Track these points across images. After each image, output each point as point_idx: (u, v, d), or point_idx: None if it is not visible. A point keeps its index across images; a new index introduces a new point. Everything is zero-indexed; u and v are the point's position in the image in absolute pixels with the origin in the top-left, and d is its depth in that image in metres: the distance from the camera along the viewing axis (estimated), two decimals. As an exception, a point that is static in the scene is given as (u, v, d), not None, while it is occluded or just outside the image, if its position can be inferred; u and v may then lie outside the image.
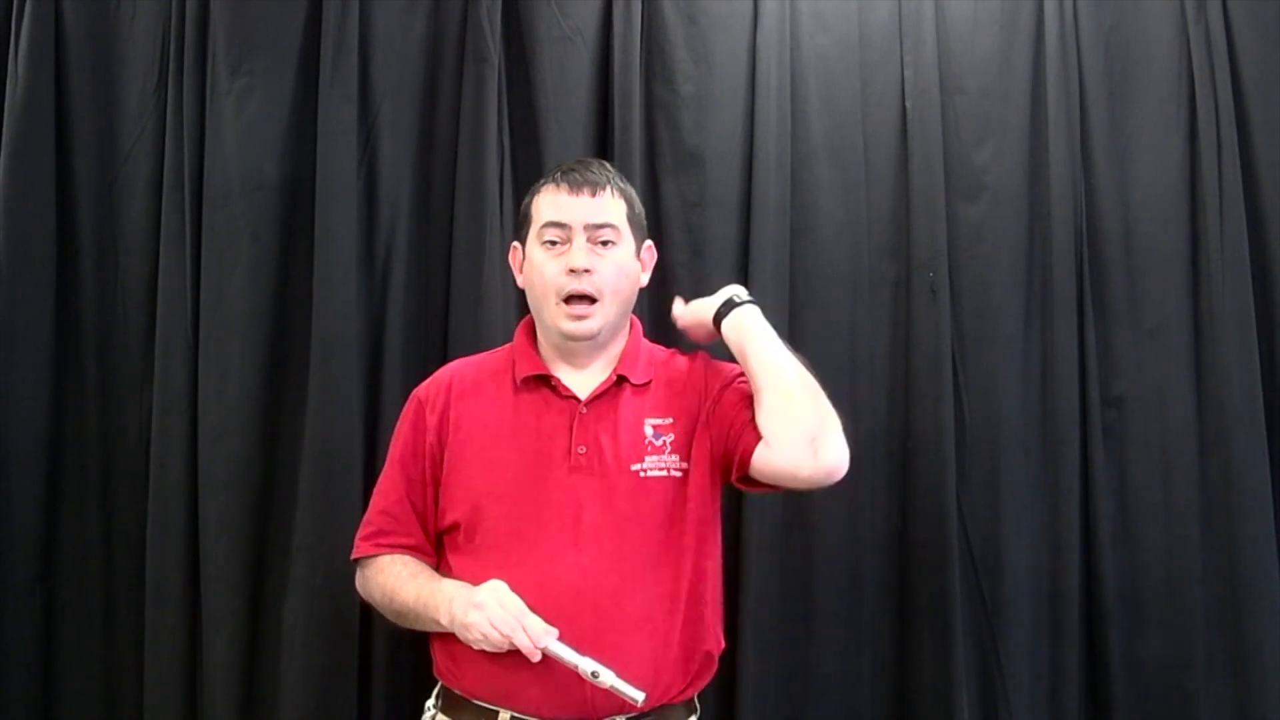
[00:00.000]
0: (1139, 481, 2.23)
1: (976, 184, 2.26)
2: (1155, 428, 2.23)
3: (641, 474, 1.63)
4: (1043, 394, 2.23)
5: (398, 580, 1.65)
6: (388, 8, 2.19)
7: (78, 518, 2.13)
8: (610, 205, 1.67)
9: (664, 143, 2.24)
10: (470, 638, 1.54)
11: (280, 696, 2.05)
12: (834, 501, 2.16)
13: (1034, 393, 2.24)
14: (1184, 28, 2.28)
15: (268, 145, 2.13)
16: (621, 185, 1.71)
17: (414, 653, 1.94)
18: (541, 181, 1.72)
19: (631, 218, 1.71)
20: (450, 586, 1.60)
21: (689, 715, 1.67)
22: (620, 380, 1.68)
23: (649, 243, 1.77)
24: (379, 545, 1.70)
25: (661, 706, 1.59)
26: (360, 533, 1.73)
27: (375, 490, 1.75)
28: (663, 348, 1.80)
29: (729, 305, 1.70)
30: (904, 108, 2.27)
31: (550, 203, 1.67)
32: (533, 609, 1.53)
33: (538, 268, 1.67)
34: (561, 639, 1.51)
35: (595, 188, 1.66)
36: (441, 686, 1.66)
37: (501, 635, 1.50)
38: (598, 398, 1.66)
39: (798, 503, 2.16)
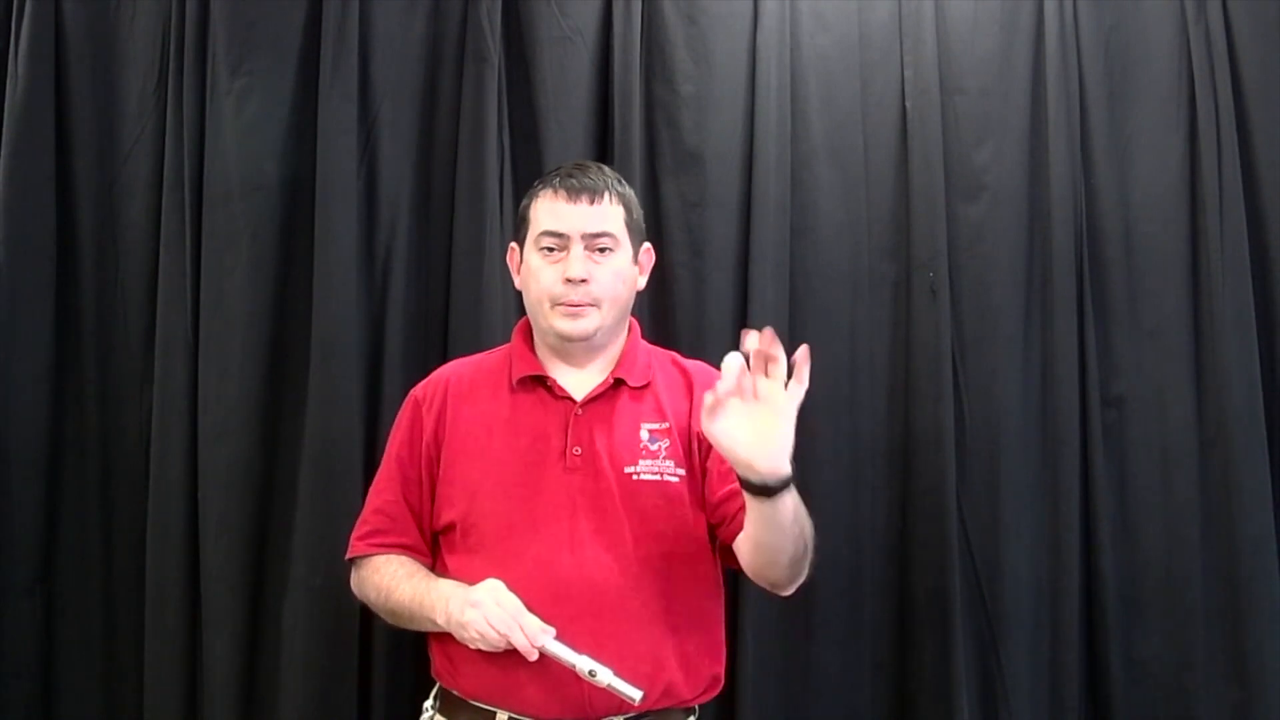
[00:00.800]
0: (1139, 481, 2.22)
1: (976, 184, 2.26)
2: (1155, 428, 2.23)
3: (634, 477, 1.62)
4: (1043, 394, 2.23)
5: (393, 580, 1.65)
6: (388, 8, 2.19)
7: (78, 518, 2.13)
8: (608, 213, 1.66)
9: (664, 143, 2.24)
10: (467, 636, 1.54)
11: (280, 696, 2.06)
12: (834, 501, 2.17)
13: (1034, 393, 2.24)
14: (1184, 28, 2.27)
15: (268, 145, 2.13)
16: (620, 190, 1.70)
17: (414, 653, 1.94)
18: (540, 185, 1.71)
19: (630, 223, 1.69)
20: (446, 586, 1.60)
21: (687, 717, 1.66)
22: (618, 383, 1.68)
23: (647, 245, 1.76)
24: (374, 545, 1.69)
25: (663, 710, 1.59)
26: (355, 532, 1.72)
27: (370, 490, 1.75)
28: (662, 350, 1.80)
29: (784, 484, 1.45)
30: (904, 108, 2.26)
31: (548, 210, 1.66)
32: (528, 608, 1.53)
33: (534, 273, 1.66)
34: (558, 638, 1.51)
35: (593, 195, 1.65)
36: (439, 687, 1.66)
37: (498, 634, 1.50)
38: (594, 399, 1.66)
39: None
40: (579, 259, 1.63)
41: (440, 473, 1.67)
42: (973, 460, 2.20)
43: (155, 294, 2.13)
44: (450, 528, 1.65)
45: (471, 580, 1.58)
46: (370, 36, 2.18)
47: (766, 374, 1.37)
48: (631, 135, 2.19)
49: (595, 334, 1.66)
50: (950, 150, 2.25)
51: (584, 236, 1.64)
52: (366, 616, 1.98)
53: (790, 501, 1.46)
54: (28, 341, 2.11)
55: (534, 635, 1.50)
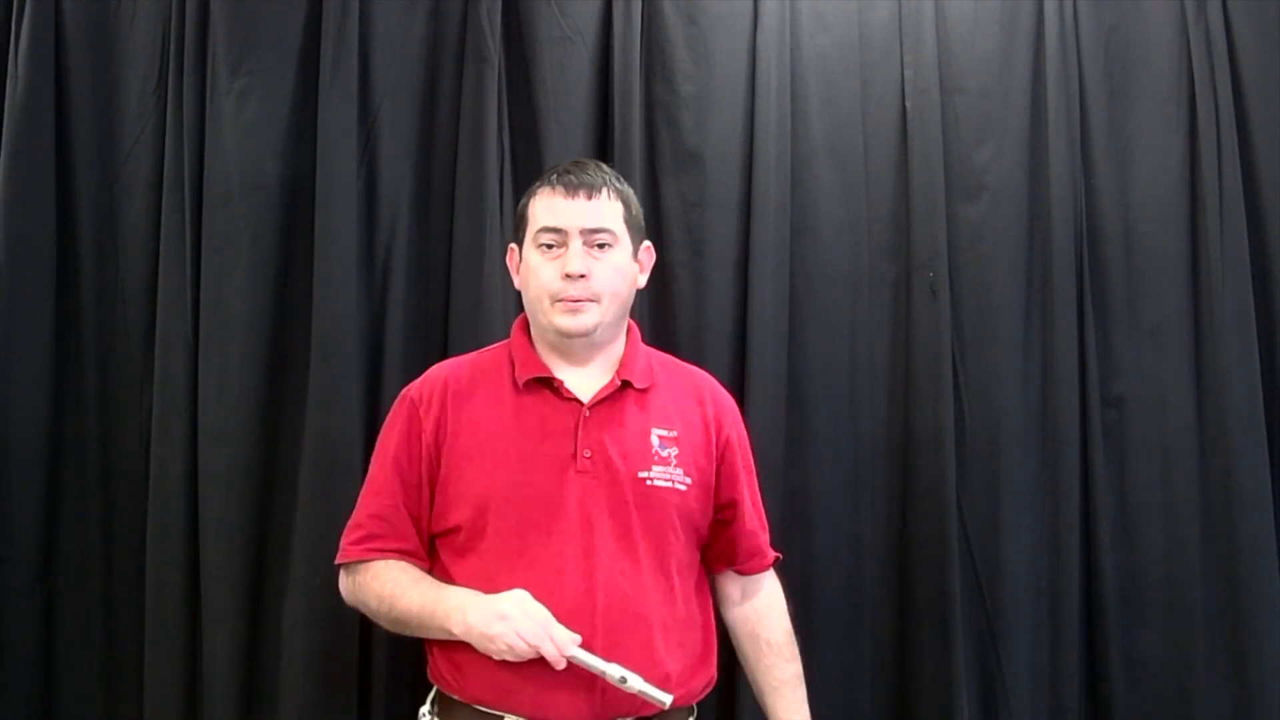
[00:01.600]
0: (1139, 481, 2.23)
1: (976, 184, 2.26)
2: (1155, 428, 2.23)
3: (649, 482, 1.62)
4: (1043, 394, 2.24)
5: (397, 587, 1.61)
6: (388, 8, 2.19)
7: (78, 518, 2.13)
8: (606, 208, 1.65)
9: (664, 143, 2.24)
10: (494, 648, 1.51)
11: (280, 696, 2.05)
12: (834, 501, 2.17)
13: (1034, 393, 2.24)
14: (1184, 28, 2.28)
15: (268, 145, 2.13)
16: (619, 186, 1.69)
17: (414, 652, 1.93)
18: (538, 184, 1.70)
19: (629, 219, 1.68)
20: (458, 595, 1.57)
21: (687, 717, 1.66)
22: (624, 385, 1.66)
23: (647, 243, 1.75)
24: (371, 550, 1.65)
25: (666, 710, 1.58)
26: (348, 536, 1.68)
27: (363, 493, 1.71)
28: (661, 353, 1.80)
29: None
30: (904, 108, 2.27)
31: (546, 206, 1.65)
32: None
33: (533, 270, 1.65)
34: (583, 645, 1.51)
35: (591, 190, 1.64)
36: (437, 692, 1.64)
37: (528, 646, 1.49)
38: (601, 401, 1.65)
39: (798, 502, 2.16)
40: (578, 254, 1.62)
41: (441, 475, 1.64)
42: (973, 460, 2.20)
43: (155, 294, 2.13)
44: (455, 530, 1.62)
45: (481, 584, 1.56)
46: (370, 37, 2.18)
47: None
48: (631, 135, 2.19)
49: (595, 330, 1.64)
50: (950, 150, 2.25)
51: (582, 232, 1.63)
52: (366, 616, 1.98)
53: None
54: (28, 341, 2.11)
55: (563, 645, 1.50)
